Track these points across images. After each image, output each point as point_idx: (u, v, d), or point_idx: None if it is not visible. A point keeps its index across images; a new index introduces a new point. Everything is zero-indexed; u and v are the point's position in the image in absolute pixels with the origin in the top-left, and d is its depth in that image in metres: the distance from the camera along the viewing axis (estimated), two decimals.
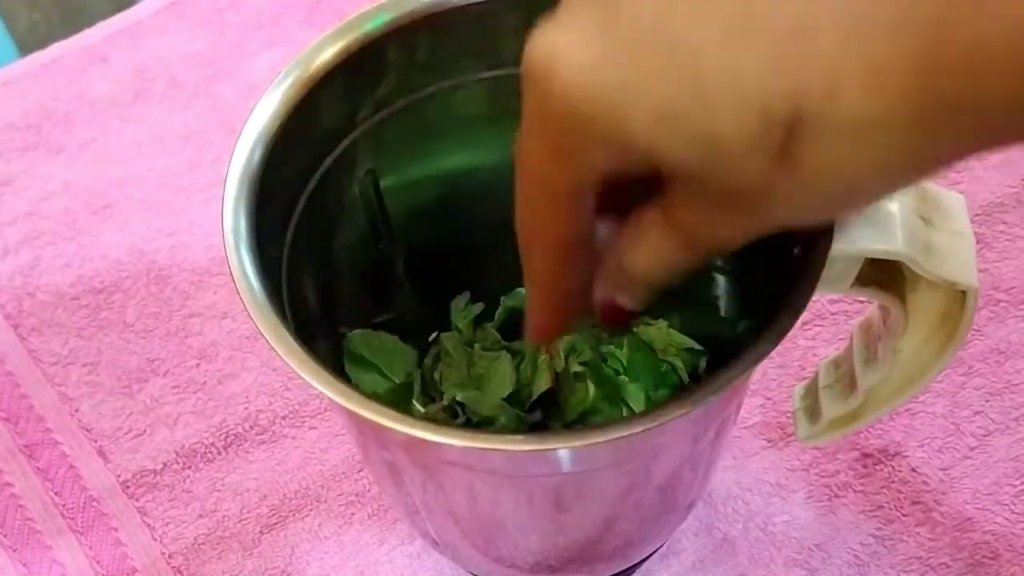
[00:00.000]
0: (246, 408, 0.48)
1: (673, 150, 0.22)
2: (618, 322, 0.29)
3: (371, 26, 0.34)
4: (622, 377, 0.41)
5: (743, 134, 0.21)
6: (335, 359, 0.39)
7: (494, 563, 0.38)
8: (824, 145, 0.21)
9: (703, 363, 0.42)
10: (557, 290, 0.28)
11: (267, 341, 0.29)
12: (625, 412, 0.41)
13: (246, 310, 0.29)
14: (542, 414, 0.41)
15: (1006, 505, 0.44)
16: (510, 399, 0.41)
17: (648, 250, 0.26)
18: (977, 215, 0.51)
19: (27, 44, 1.07)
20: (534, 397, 0.41)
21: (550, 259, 0.26)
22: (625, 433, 0.27)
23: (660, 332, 0.42)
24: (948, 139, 0.21)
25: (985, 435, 0.45)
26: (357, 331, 0.40)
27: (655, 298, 0.28)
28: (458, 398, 0.40)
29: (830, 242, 0.29)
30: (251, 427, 0.47)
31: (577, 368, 0.42)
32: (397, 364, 0.41)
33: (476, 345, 0.42)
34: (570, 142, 0.23)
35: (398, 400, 0.41)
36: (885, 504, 0.44)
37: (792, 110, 0.21)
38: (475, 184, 0.40)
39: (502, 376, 0.40)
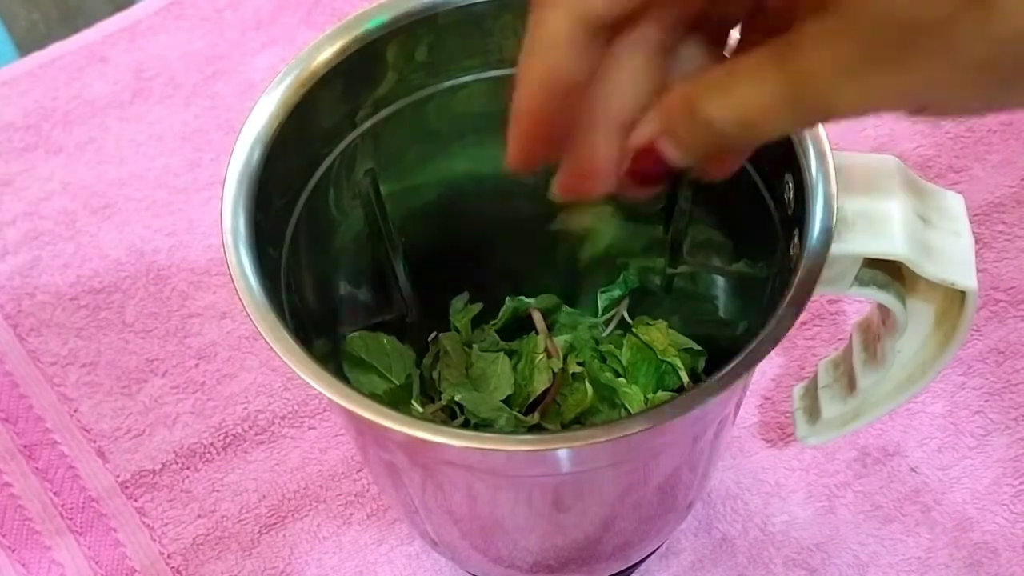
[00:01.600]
0: (245, 408, 0.48)
1: None
2: (646, 179, 0.24)
3: (370, 26, 0.34)
4: (620, 379, 0.41)
5: None
6: (334, 359, 0.39)
7: (493, 563, 0.38)
8: None
9: (702, 363, 0.42)
10: (540, 123, 0.24)
11: (266, 341, 0.29)
12: (623, 414, 0.41)
13: (245, 310, 0.29)
14: (540, 415, 0.41)
15: (1005, 505, 0.44)
16: (508, 400, 0.41)
17: (741, 95, 0.21)
18: (976, 215, 0.51)
19: (26, 44, 1.07)
20: (532, 398, 0.41)
21: (537, 94, 0.23)
22: (624, 433, 0.27)
23: (660, 332, 0.42)
24: None
25: (984, 435, 0.45)
26: (355, 333, 0.40)
27: (702, 160, 0.24)
28: (457, 399, 0.40)
29: (829, 241, 0.29)
30: (250, 427, 0.47)
31: (576, 369, 0.42)
32: (395, 365, 0.41)
33: (475, 346, 0.42)
34: None
35: (397, 401, 0.41)
36: (884, 504, 0.44)
37: None
38: (474, 184, 0.40)
39: (500, 377, 0.40)
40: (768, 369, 0.47)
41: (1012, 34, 0.19)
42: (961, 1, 0.19)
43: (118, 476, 0.46)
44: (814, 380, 0.39)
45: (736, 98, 0.22)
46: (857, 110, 0.21)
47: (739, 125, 0.22)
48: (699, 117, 0.22)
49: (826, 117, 0.21)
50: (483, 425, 0.40)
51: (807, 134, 0.31)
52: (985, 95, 0.21)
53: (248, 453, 0.46)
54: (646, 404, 0.40)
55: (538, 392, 0.41)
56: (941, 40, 0.19)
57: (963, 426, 0.45)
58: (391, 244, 0.40)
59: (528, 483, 0.32)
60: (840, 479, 0.45)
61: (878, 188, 0.30)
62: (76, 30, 0.60)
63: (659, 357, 0.41)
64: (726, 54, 0.24)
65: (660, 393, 0.41)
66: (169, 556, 0.44)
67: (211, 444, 0.47)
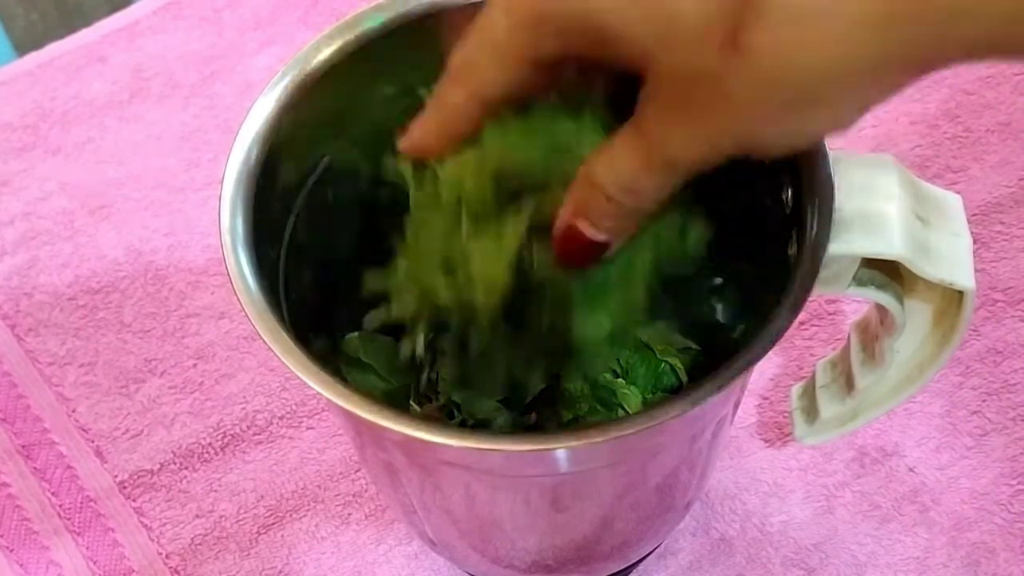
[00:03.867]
0: (243, 408, 0.48)
1: (631, 25, 0.22)
2: (575, 256, 0.28)
3: (368, 26, 0.34)
4: (619, 380, 0.41)
5: (699, 9, 0.22)
6: (333, 360, 0.39)
7: (491, 563, 0.38)
8: (775, 30, 0.21)
9: (700, 363, 0.42)
10: (451, 118, 0.28)
11: (264, 341, 0.29)
12: (620, 414, 0.41)
13: (243, 310, 0.29)
14: (537, 416, 0.41)
15: (1003, 505, 0.44)
16: (506, 401, 0.41)
17: (612, 161, 0.25)
18: (974, 215, 0.51)
19: (24, 44, 1.07)
20: (529, 398, 0.41)
21: (462, 93, 0.27)
22: (622, 433, 0.27)
23: (659, 332, 0.41)
24: (911, 41, 0.21)
25: (982, 435, 0.45)
26: (354, 334, 0.40)
27: (623, 236, 0.27)
28: (454, 398, 0.40)
29: (827, 241, 0.29)
30: (248, 427, 0.47)
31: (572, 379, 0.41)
32: (394, 367, 0.41)
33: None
34: (533, 10, 0.24)
35: (395, 401, 0.41)
36: (882, 504, 0.44)
37: None
38: None
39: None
40: (766, 369, 0.47)
41: (768, 73, 0.21)
42: (719, 51, 0.21)
43: (116, 476, 0.46)
44: (812, 380, 0.39)
45: (615, 166, 0.25)
46: (698, 159, 0.24)
47: (624, 191, 0.25)
48: (596, 188, 0.25)
49: (681, 171, 0.24)
50: (480, 425, 0.40)
51: None
52: (780, 128, 0.23)
53: (246, 453, 0.46)
54: (644, 404, 0.40)
55: (535, 392, 0.40)
56: (719, 89, 0.22)
57: (961, 426, 0.46)
58: (390, 244, 0.40)
59: (526, 483, 0.32)
60: (838, 479, 0.45)
61: (876, 188, 0.30)
62: (74, 30, 0.60)
63: (658, 357, 0.41)
64: None
65: (658, 394, 0.41)
66: (167, 556, 0.44)
67: (209, 444, 0.47)
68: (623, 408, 0.41)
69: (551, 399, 0.41)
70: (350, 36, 0.34)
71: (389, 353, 0.41)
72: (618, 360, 0.42)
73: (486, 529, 0.35)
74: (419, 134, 0.29)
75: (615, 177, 0.25)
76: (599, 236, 0.27)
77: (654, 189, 0.25)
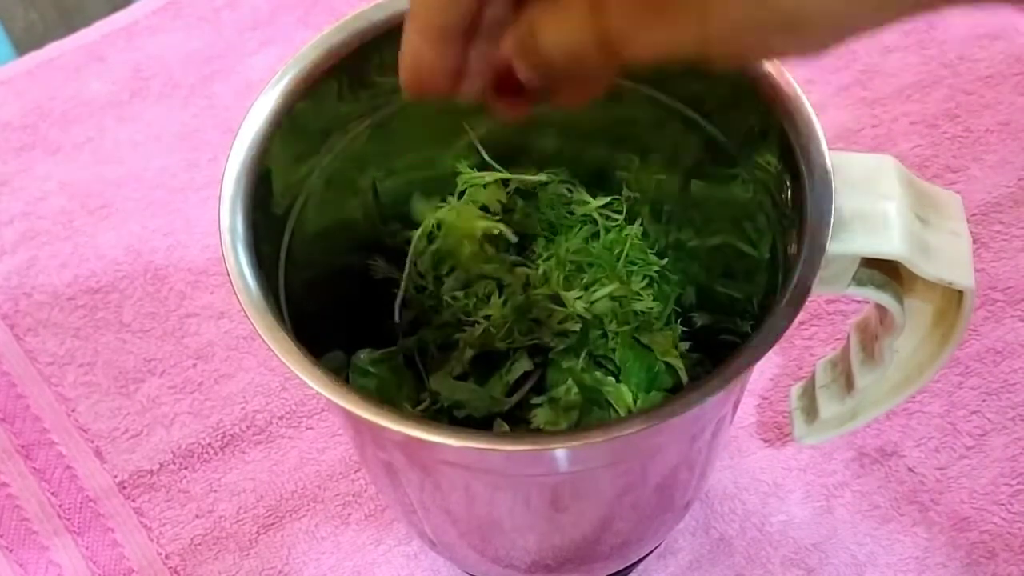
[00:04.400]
0: (243, 408, 0.48)
1: None
2: (506, 94, 0.28)
3: (367, 25, 0.34)
4: (609, 378, 0.41)
5: None
6: (334, 360, 0.39)
7: (491, 563, 0.38)
8: None
9: (701, 359, 0.42)
10: (434, 26, 0.27)
11: (264, 341, 0.29)
12: (614, 414, 0.41)
13: (243, 310, 0.29)
14: (521, 401, 0.40)
15: (1003, 504, 0.44)
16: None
17: (563, 31, 0.25)
18: (974, 215, 0.51)
19: (24, 44, 1.07)
20: (512, 379, 0.40)
21: (413, 29, 0.26)
22: (622, 433, 0.27)
23: (665, 338, 0.41)
24: None
25: (982, 435, 0.45)
26: (363, 355, 0.40)
27: (551, 84, 0.27)
28: (432, 387, 0.40)
29: (827, 241, 0.29)
30: (248, 427, 0.47)
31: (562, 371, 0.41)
32: (404, 387, 0.40)
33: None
34: None
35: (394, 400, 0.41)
36: (882, 504, 0.44)
37: None
38: None
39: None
40: (766, 369, 0.47)
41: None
42: None
43: (116, 476, 0.46)
44: (812, 380, 0.39)
45: (562, 35, 0.25)
46: (649, 59, 0.24)
47: (564, 57, 0.25)
48: (538, 43, 0.25)
49: (630, 59, 0.24)
50: (456, 406, 0.40)
51: (805, 135, 0.31)
52: (744, 46, 0.23)
53: (246, 453, 0.46)
54: (635, 403, 0.40)
55: (517, 375, 0.40)
56: (699, 6, 0.22)
57: (960, 426, 0.46)
58: (390, 243, 0.41)
59: (526, 483, 0.32)
60: (838, 479, 0.45)
61: (876, 188, 0.30)
62: (74, 29, 0.60)
63: (658, 357, 0.41)
64: None
65: (653, 393, 0.41)
66: (167, 556, 0.44)
67: (209, 444, 0.47)
68: (612, 407, 0.40)
69: (538, 387, 0.41)
70: (349, 36, 0.34)
71: (401, 376, 0.41)
72: (612, 359, 0.42)
73: (486, 529, 0.35)
74: (413, 58, 0.28)
75: (560, 43, 0.25)
76: (529, 79, 0.27)
77: (594, 67, 0.25)
